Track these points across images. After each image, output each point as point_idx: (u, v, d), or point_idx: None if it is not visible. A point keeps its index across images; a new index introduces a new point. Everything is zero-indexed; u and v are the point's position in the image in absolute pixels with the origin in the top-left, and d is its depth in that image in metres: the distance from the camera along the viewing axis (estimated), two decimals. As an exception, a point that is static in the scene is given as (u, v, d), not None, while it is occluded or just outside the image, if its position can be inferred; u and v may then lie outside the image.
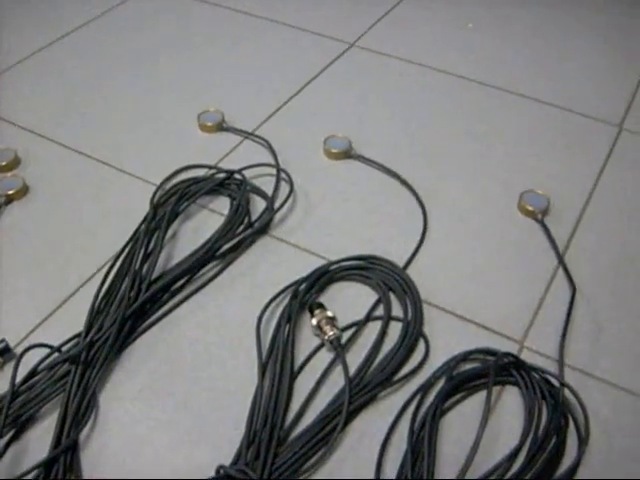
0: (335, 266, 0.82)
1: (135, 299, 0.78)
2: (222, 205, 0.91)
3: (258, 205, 0.91)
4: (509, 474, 0.64)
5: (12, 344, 0.75)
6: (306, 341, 0.76)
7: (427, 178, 0.94)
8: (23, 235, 0.88)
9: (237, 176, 0.92)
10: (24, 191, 0.93)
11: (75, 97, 1.10)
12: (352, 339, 0.76)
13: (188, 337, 0.77)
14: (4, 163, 0.96)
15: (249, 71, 1.14)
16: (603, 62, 1.16)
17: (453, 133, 1.02)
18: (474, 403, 0.71)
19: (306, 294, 0.79)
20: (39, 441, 0.68)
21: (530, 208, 0.89)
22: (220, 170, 0.94)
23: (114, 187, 0.94)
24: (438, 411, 0.69)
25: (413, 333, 0.76)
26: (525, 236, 0.87)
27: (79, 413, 0.69)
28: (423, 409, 0.70)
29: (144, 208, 0.89)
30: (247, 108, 1.06)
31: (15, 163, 0.97)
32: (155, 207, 0.88)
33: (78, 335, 0.76)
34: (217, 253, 0.84)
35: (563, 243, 0.86)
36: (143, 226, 0.85)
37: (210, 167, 0.95)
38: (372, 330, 0.77)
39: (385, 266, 0.82)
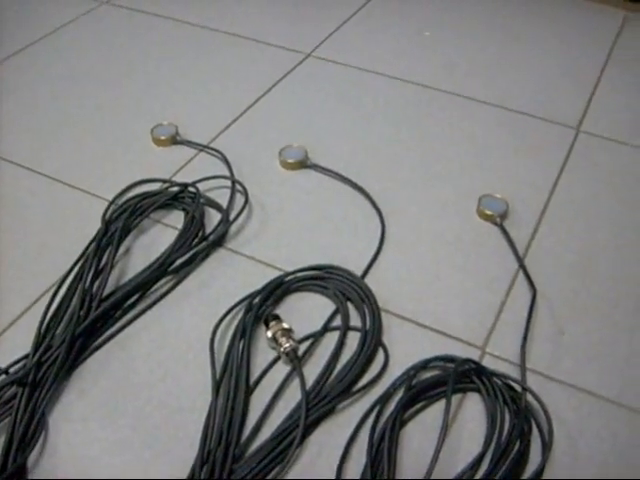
0: (291, 277, 0.81)
1: (85, 317, 0.76)
2: (176, 219, 0.89)
3: (213, 218, 0.89)
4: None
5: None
6: (262, 354, 0.75)
7: (384, 185, 0.94)
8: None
9: (191, 189, 0.90)
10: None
11: (25, 113, 1.08)
12: (309, 350, 0.75)
13: (141, 354, 0.75)
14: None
15: (204, 84, 1.13)
16: (560, 64, 1.17)
17: (409, 139, 1.02)
18: (435, 412, 0.70)
19: (261, 307, 0.78)
20: (-16, 468, 0.65)
21: (489, 212, 0.88)
22: (174, 184, 0.92)
23: (65, 204, 0.92)
24: (397, 422, 0.68)
25: (372, 343, 0.75)
26: (484, 240, 0.86)
27: (27, 436, 0.67)
28: (383, 420, 0.69)
29: (96, 225, 0.87)
30: (202, 121, 1.05)
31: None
32: (107, 223, 0.87)
33: (26, 356, 0.73)
34: (171, 268, 0.82)
35: (523, 246, 0.86)
36: (93, 243, 0.83)
37: (164, 181, 0.94)
38: (330, 341, 0.76)
39: (342, 275, 0.81)
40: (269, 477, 0.65)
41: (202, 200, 0.89)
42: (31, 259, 0.85)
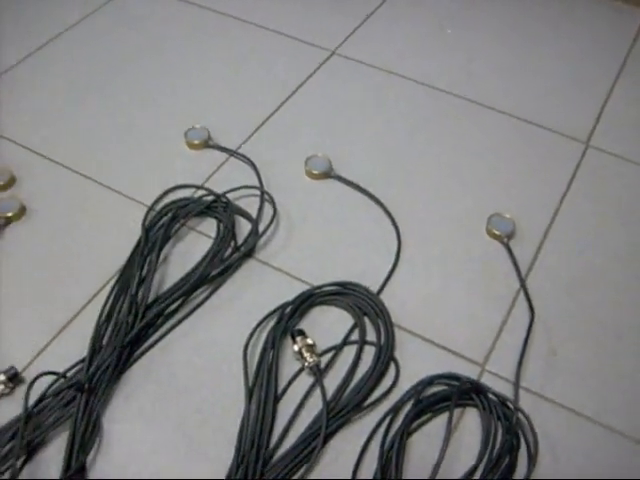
0: (316, 291, 0.92)
1: (132, 325, 0.87)
2: (209, 227, 1.00)
3: (243, 226, 1.00)
4: (466, 491, 0.76)
5: (19, 368, 0.85)
6: (288, 365, 0.86)
7: (402, 199, 1.03)
8: (22, 258, 0.96)
9: (223, 199, 1.00)
10: (22, 212, 1.01)
11: (61, 110, 1.17)
12: (330, 363, 0.86)
13: (180, 361, 0.87)
14: (1, 183, 1.03)
15: (232, 80, 1.22)
16: (574, 70, 1.24)
17: (426, 149, 1.11)
18: (438, 424, 0.82)
19: (290, 319, 0.89)
20: (49, 463, 0.78)
21: (497, 232, 0.98)
22: (207, 190, 1.02)
23: (105, 206, 1.03)
24: (405, 432, 0.81)
25: (385, 358, 0.87)
26: (491, 259, 0.97)
27: (85, 437, 0.79)
28: (393, 430, 0.81)
29: (135, 228, 0.98)
30: (231, 124, 1.14)
31: (11, 182, 1.05)
32: (147, 230, 0.97)
33: (82, 361, 0.85)
34: (207, 278, 0.93)
35: (526, 266, 0.96)
36: (137, 251, 0.94)
37: (198, 187, 1.04)
38: (348, 353, 0.88)
39: (361, 292, 0.92)
40: (295, 478, 0.77)
41: (233, 210, 1.00)
42: (78, 262, 0.96)
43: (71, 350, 0.87)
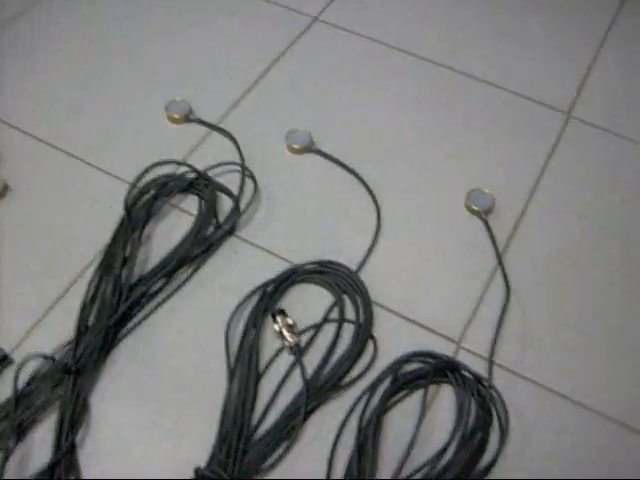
0: (297, 269, 0.94)
1: (117, 306, 0.90)
2: (190, 204, 1.02)
3: (224, 203, 1.02)
4: (439, 466, 0.80)
5: (7, 350, 0.88)
6: (270, 343, 0.90)
7: (382, 173, 1.05)
8: (5, 238, 0.98)
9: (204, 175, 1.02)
10: (4, 191, 1.02)
11: (35, 81, 1.17)
12: (310, 342, 0.90)
13: (164, 341, 0.90)
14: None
15: (210, 52, 1.21)
16: (556, 41, 1.24)
17: (409, 122, 1.12)
18: (415, 401, 0.86)
19: (271, 298, 0.92)
20: (40, 443, 0.82)
21: (475, 208, 1.01)
22: (189, 167, 1.04)
23: (88, 184, 1.04)
24: (382, 410, 0.84)
25: (363, 336, 0.90)
26: (470, 235, 0.99)
27: (74, 417, 0.83)
28: (370, 407, 0.85)
29: (117, 204, 0.99)
30: (211, 95, 1.15)
31: (-7, 159, 1.06)
32: (129, 209, 0.99)
33: (69, 342, 0.88)
34: (189, 258, 0.96)
35: (504, 242, 0.99)
36: (119, 231, 0.96)
37: (179, 163, 1.05)
38: (328, 331, 0.91)
39: (340, 270, 0.95)
40: (273, 457, 0.82)
41: (215, 188, 1.02)
42: (62, 241, 0.98)
43: (59, 330, 0.89)
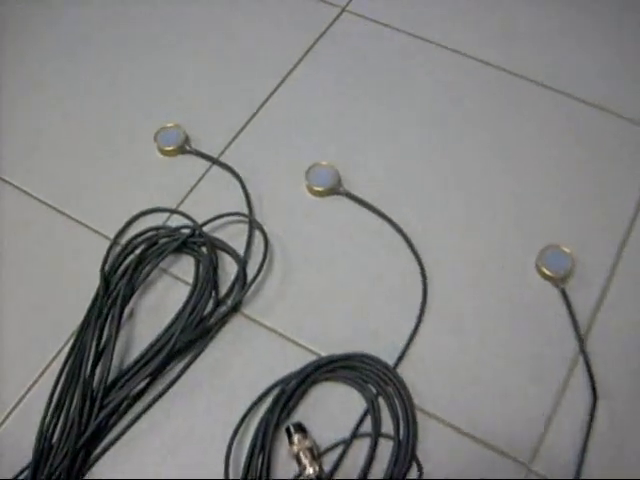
0: (319, 364, 0.75)
1: (87, 421, 0.71)
2: (185, 267, 0.82)
3: (227, 265, 0.82)
4: None
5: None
6: (282, 464, 0.71)
7: (429, 225, 0.85)
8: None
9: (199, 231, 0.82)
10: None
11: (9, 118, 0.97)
12: (337, 466, 0.70)
13: (152, 461, 0.71)
14: None
15: (213, 62, 1.00)
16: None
17: (464, 149, 0.90)
18: None
19: (284, 407, 0.72)
20: None
21: (549, 272, 0.79)
22: (183, 216, 0.85)
23: (57, 239, 0.86)
24: None
25: (405, 456, 0.70)
26: (541, 310, 0.79)
27: None
28: None
29: (96, 267, 0.80)
30: (211, 119, 0.94)
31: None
32: (107, 278, 0.79)
33: (26, 468, 0.70)
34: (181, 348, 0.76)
35: (586, 320, 0.77)
36: (93, 311, 0.77)
37: (171, 211, 0.85)
38: (359, 448, 0.71)
39: (375, 366, 0.74)
40: None
41: (215, 242, 0.82)
42: (24, 327, 0.80)
43: (17, 446, 0.71)
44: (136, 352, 0.77)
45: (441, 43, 0.99)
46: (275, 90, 0.96)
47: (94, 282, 0.79)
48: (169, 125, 0.91)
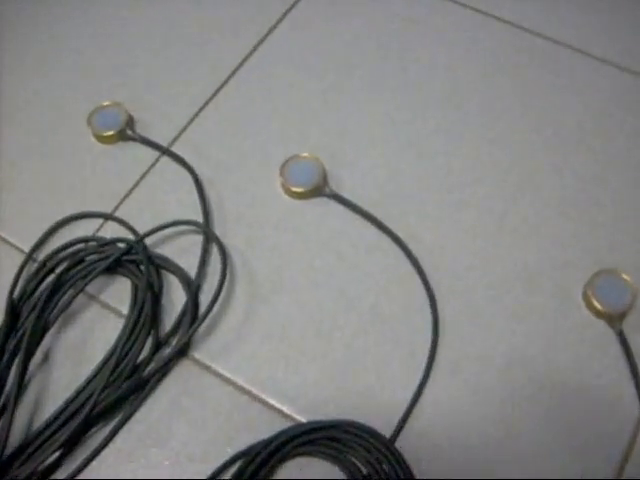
0: (293, 433, 0.55)
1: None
2: (120, 292, 0.62)
3: (173, 291, 0.62)
4: None
5: None
6: None
7: (440, 238, 0.65)
8: None
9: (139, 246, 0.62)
10: None
11: None
12: None
13: None
14: None
15: (166, 28, 0.80)
16: None
17: (483, 144, 0.70)
18: None
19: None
20: None
21: (601, 306, 0.59)
22: (120, 223, 0.65)
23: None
24: None
25: None
26: (591, 358, 0.59)
27: None
28: None
29: (1, 293, 0.61)
30: (164, 97, 0.74)
31: None
32: (15, 306, 0.60)
33: None
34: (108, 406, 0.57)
35: (652, 371, 0.57)
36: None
37: (105, 217, 0.66)
38: None
39: (366, 437, 0.55)
40: None
41: (159, 260, 0.62)
42: None
43: None
44: (48, 411, 0.57)
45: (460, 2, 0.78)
46: (244, 61, 0.76)
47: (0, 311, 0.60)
48: (106, 104, 0.72)
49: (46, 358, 0.61)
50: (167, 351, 0.60)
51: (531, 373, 0.58)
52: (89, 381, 0.59)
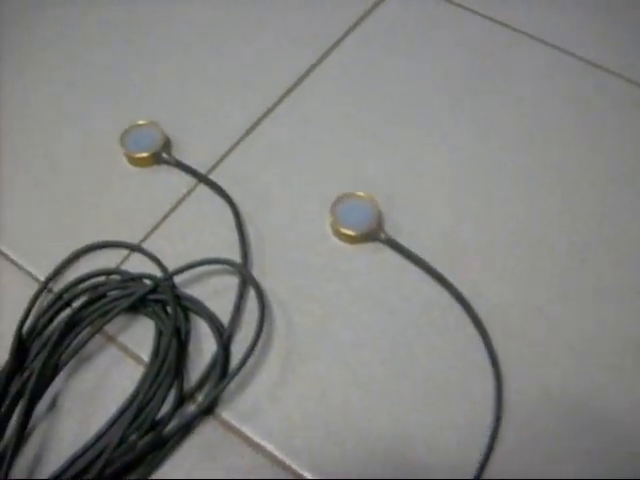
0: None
1: None
2: (141, 335, 0.56)
3: (202, 338, 0.56)
4: None
5: None
6: None
7: (508, 296, 0.59)
8: None
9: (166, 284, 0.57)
10: None
11: None
12: None
13: None
14: None
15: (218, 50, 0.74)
16: None
17: (574, 180, 0.63)
18: None
19: None
20: None
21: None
22: (148, 257, 0.59)
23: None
24: None
25: None
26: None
27: None
28: None
29: (10, 327, 0.56)
30: (206, 119, 0.69)
31: None
32: (23, 342, 0.54)
33: None
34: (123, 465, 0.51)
35: None
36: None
37: (131, 248, 0.60)
38: None
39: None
40: None
41: (188, 302, 0.56)
42: None
43: None
44: (51, 468, 0.51)
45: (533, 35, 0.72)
46: (295, 85, 0.71)
47: (7, 346, 0.54)
48: (142, 122, 0.66)
49: (53, 405, 0.55)
50: (191, 407, 0.53)
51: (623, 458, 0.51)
52: (100, 436, 0.53)
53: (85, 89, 0.71)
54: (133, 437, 0.52)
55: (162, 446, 0.52)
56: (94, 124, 0.68)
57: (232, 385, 0.55)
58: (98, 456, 0.51)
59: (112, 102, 0.70)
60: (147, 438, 0.52)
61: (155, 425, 0.53)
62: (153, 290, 0.57)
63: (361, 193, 0.62)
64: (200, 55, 0.73)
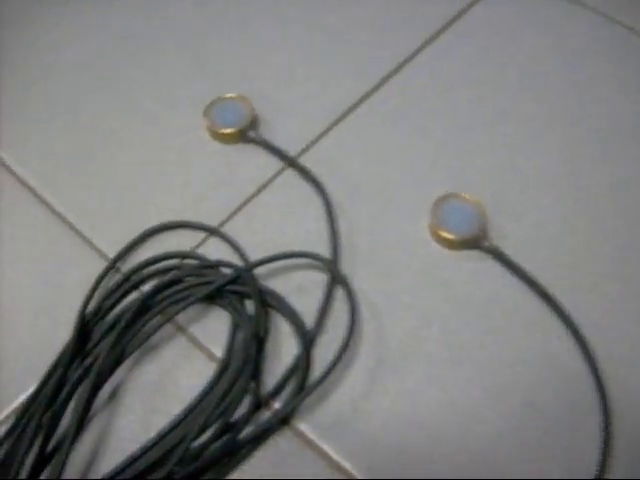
0: None
1: None
2: (216, 328, 0.51)
3: (282, 337, 0.50)
4: None
5: None
6: None
7: (623, 325, 0.53)
8: None
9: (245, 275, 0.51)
10: None
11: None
12: None
13: None
14: None
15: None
16: None
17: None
18: None
19: None
20: None
21: None
22: (224, 240, 0.54)
23: (55, 257, 0.57)
24: None
25: None
26: None
27: None
28: None
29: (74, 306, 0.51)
30: (299, 98, 0.64)
31: None
32: (86, 325, 0.49)
33: None
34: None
35: None
36: (50, 382, 0.47)
37: (210, 231, 0.55)
38: None
39: None
40: None
41: (270, 298, 0.51)
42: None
43: None
44: (107, 466, 0.46)
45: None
46: (398, 69, 0.65)
47: (69, 328, 0.50)
48: (230, 95, 0.60)
49: (114, 396, 0.50)
50: (266, 415, 0.48)
51: None
52: (164, 435, 0.47)
53: (170, 52, 0.66)
54: (204, 440, 0.46)
55: (236, 453, 0.47)
56: (176, 92, 0.63)
57: (313, 396, 0.49)
58: (161, 458, 0.46)
59: (198, 70, 0.65)
60: (220, 442, 0.47)
61: (229, 427, 0.48)
62: (233, 280, 0.52)
63: (466, 195, 0.56)
64: (298, 30, 0.68)
